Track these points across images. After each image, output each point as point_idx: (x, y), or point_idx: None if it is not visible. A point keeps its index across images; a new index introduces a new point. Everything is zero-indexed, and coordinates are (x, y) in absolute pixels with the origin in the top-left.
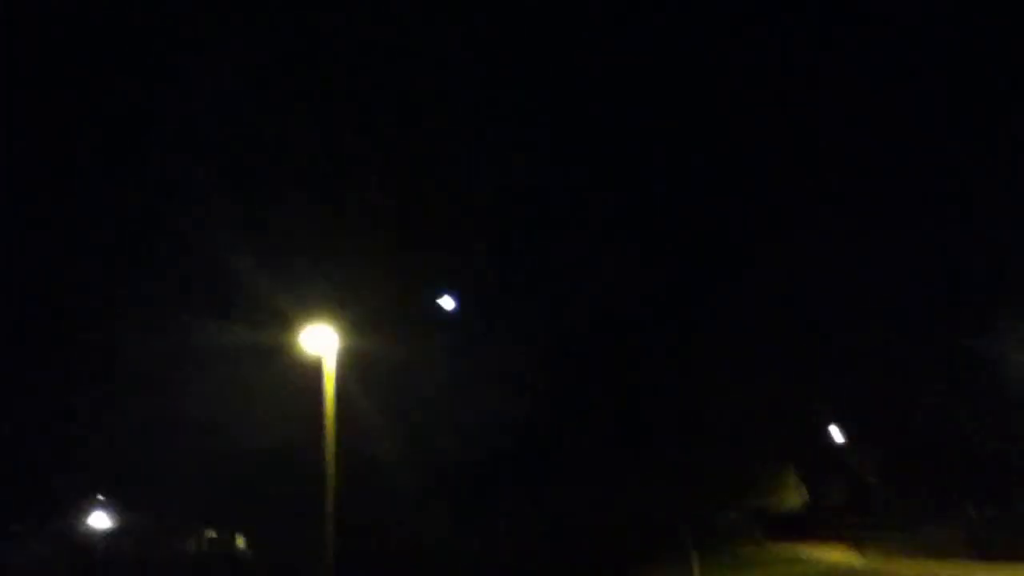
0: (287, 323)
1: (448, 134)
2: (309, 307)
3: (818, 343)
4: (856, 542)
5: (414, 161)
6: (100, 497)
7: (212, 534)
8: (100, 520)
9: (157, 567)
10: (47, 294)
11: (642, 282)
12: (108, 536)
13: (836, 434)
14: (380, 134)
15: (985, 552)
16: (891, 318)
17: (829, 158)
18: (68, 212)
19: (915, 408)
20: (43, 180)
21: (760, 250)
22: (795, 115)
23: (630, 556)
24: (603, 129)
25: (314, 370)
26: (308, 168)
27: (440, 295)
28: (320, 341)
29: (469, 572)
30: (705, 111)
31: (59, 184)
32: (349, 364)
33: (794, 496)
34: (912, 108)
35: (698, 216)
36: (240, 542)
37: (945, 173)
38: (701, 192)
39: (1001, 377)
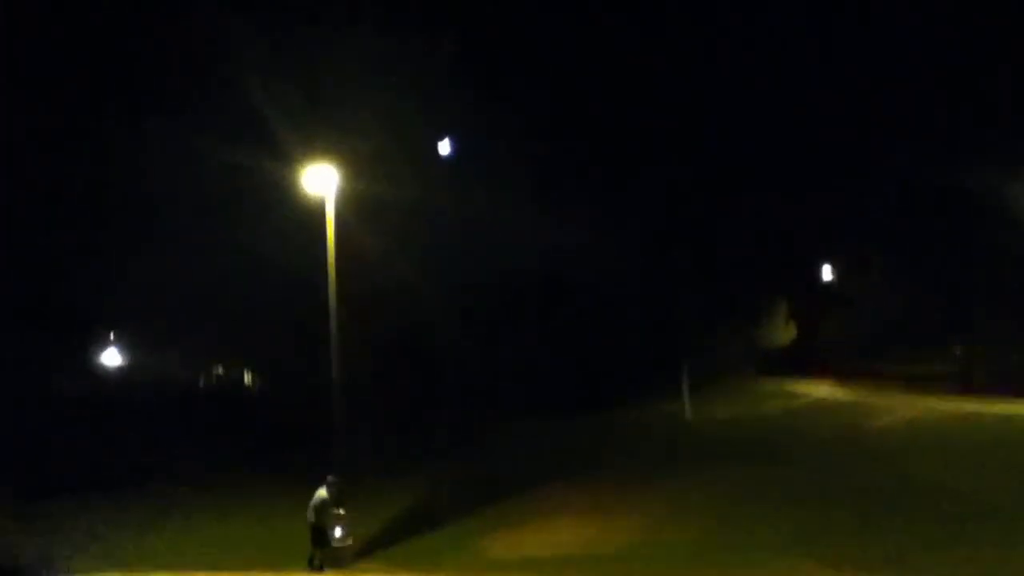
0: (294, 160)
1: None
2: (312, 147)
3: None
4: (842, 377)
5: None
6: (111, 335)
7: (220, 370)
8: (112, 357)
9: (168, 399)
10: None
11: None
12: (121, 371)
13: (828, 271)
14: None
15: (967, 388)
16: (883, 159)
17: None
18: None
19: (903, 244)
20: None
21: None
22: None
23: (629, 390)
24: None
25: (319, 207)
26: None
27: (440, 137)
28: (322, 180)
29: (475, 390)
30: None
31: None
32: (352, 203)
33: (784, 332)
34: None
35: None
36: (247, 377)
37: None
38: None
39: (989, 215)
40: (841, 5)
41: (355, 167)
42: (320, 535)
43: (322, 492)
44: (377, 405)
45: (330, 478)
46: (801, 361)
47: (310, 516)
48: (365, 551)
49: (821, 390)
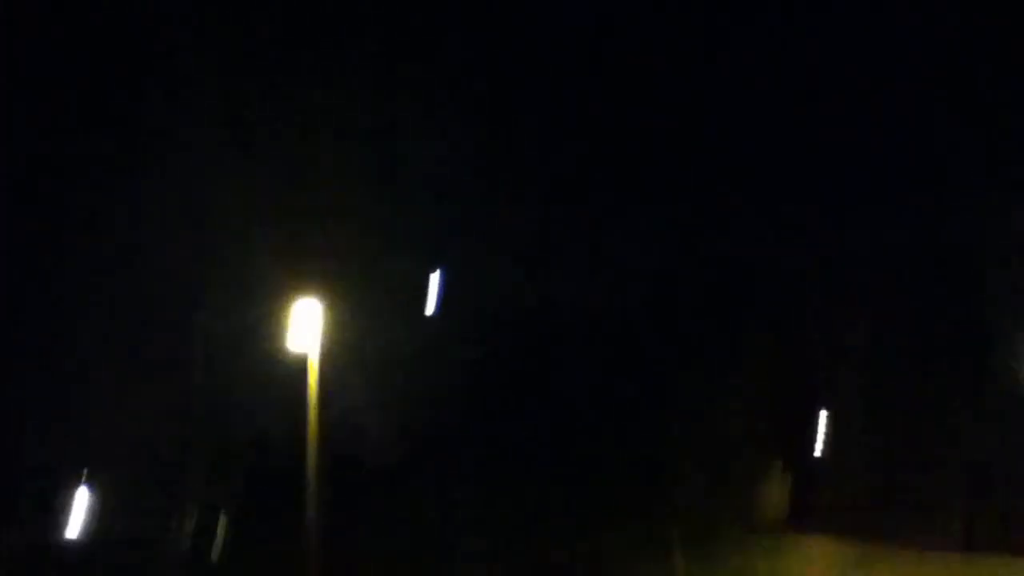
0: (270, 310)
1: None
2: (292, 293)
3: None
4: (840, 535)
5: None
6: (72, 498)
7: (191, 521)
8: (72, 525)
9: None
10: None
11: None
12: (80, 540)
13: (824, 425)
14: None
15: (967, 545)
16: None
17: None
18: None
19: (907, 407)
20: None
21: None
22: None
23: (610, 552)
24: None
25: (298, 361)
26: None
27: (425, 284)
28: (304, 337)
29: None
30: None
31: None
32: (332, 353)
33: (779, 490)
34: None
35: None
36: (220, 525)
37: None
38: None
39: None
40: None
41: (338, 306)
42: None
43: None
44: None
45: None
46: (797, 519)
47: None
48: None
49: (817, 548)
